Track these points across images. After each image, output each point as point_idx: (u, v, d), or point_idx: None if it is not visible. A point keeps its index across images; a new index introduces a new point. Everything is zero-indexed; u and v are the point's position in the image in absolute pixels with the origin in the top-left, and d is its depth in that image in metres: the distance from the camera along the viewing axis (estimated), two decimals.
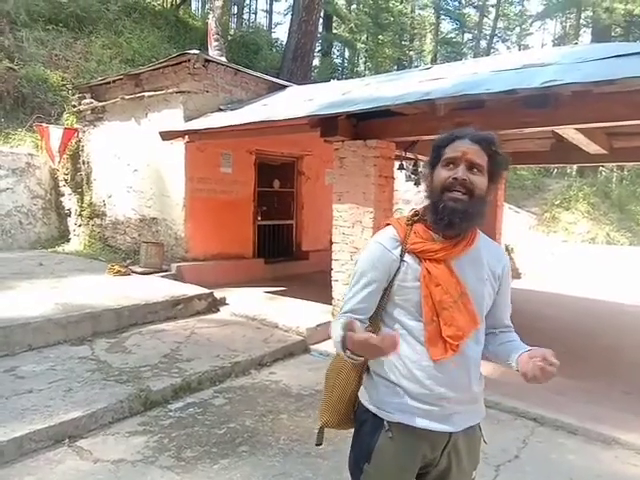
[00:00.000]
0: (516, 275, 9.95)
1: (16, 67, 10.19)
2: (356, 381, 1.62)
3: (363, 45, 27.11)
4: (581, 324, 6.47)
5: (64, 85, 10.65)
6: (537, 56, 5.04)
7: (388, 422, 1.50)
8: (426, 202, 1.54)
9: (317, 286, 6.72)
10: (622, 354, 5.23)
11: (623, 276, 10.36)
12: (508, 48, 31.17)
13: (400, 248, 1.52)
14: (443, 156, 1.47)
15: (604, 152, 6.04)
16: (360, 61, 29.42)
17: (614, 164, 15.41)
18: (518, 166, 13.15)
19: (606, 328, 6.34)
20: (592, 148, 5.85)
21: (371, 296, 1.54)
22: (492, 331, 1.63)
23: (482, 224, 1.52)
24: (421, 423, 1.46)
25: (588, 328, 6.27)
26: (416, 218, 1.56)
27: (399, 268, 1.50)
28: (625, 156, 6.75)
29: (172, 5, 17.50)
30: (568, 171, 21.41)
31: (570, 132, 5.02)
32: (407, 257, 1.51)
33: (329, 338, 5.50)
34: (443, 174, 1.46)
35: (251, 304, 6.33)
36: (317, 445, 1.75)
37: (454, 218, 1.43)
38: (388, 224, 1.61)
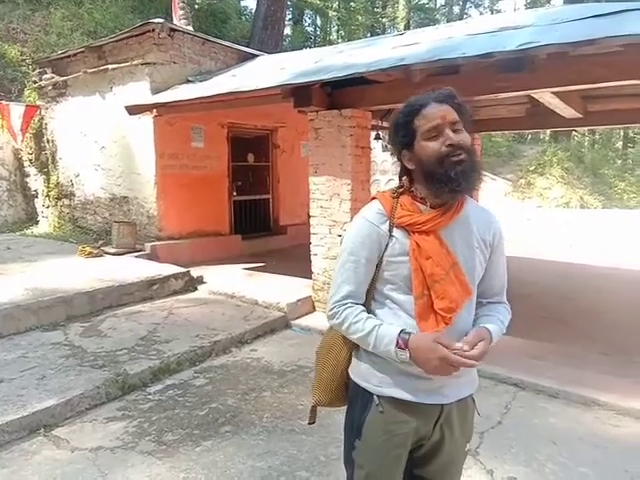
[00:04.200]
0: None
1: None
2: (347, 358, 1.59)
3: (335, 13, 26.50)
4: (559, 288, 6.56)
5: (23, 60, 10.16)
6: (512, 19, 4.93)
7: (378, 396, 1.47)
8: (417, 176, 1.46)
9: (296, 260, 6.65)
10: (600, 316, 5.32)
11: (598, 239, 10.57)
12: (481, 13, 30.90)
13: (388, 223, 1.45)
14: (419, 129, 1.40)
15: (579, 116, 6.02)
16: (332, 29, 28.77)
17: (586, 128, 15.56)
18: (493, 133, 13.16)
19: (584, 291, 6.44)
20: (568, 112, 5.82)
21: (364, 276, 1.48)
22: (480, 301, 1.57)
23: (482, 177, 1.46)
24: (411, 396, 1.44)
25: (566, 292, 6.36)
26: (401, 190, 1.50)
27: (388, 244, 1.44)
28: (600, 120, 6.76)
29: None
30: (542, 137, 21.59)
31: (546, 96, 4.97)
32: (395, 231, 1.44)
33: (310, 313, 5.45)
34: (432, 146, 1.38)
35: (229, 281, 6.23)
36: (310, 424, 1.72)
37: (470, 179, 1.39)
38: (374, 198, 1.54)
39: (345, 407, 1.63)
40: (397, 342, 1.36)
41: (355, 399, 1.54)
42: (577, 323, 5.08)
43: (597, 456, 2.84)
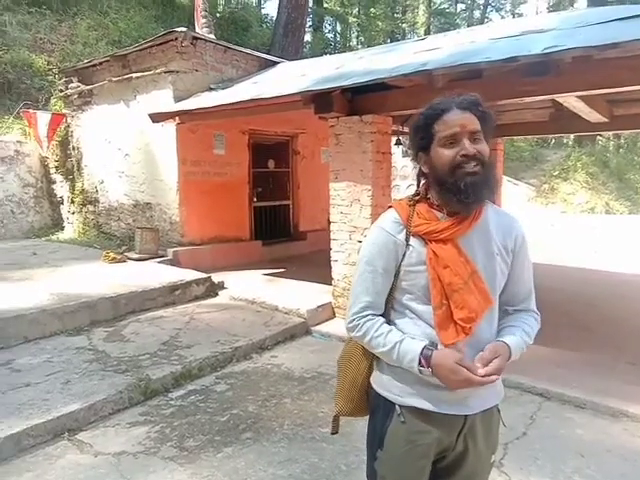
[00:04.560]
0: None
1: (0, 52, 9.92)
2: (367, 369, 1.58)
3: (355, 19, 26.59)
4: (584, 295, 6.42)
5: (50, 69, 10.40)
6: (535, 22, 4.87)
7: (400, 406, 1.44)
8: (431, 182, 1.45)
9: (316, 266, 6.64)
10: (626, 324, 5.18)
11: (623, 245, 10.32)
12: (502, 17, 30.68)
13: (404, 232, 1.43)
14: (437, 134, 1.38)
15: (605, 120, 5.90)
16: (352, 35, 28.85)
17: (611, 133, 15.25)
18: (515, 137, 13.00)
19: (609, 298, 6.29)
20: (593, 116, 5.71)
21: (382, 286, 1.46)
22: (505, 308, 1.53)
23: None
24: (434, 407, 1.41)
25: (591, 299, 6.22)
26: (417, 198, 1.48)
27: (405, 253, 1.42)
28: (625, 124, 6.61)
29: None
30: (565, 141, 21.24)
31: (571, 100, 4.89)
32: (412, 240, 1.42)
33: (330, 319, 5.42)
34: (447, 153, 1.36)
35: (250, 287, 6.25)
36: (333, 434, 1.72)
37: (479, 192, 1.36)
38: (390, 207, 1.52)
39: (367, 416, 1.61)
40: (419, 361, 1.35)
41: (377, 409, 1.52)
42: (603, 331, 4.95)
43: (626, 469, 2.76)
